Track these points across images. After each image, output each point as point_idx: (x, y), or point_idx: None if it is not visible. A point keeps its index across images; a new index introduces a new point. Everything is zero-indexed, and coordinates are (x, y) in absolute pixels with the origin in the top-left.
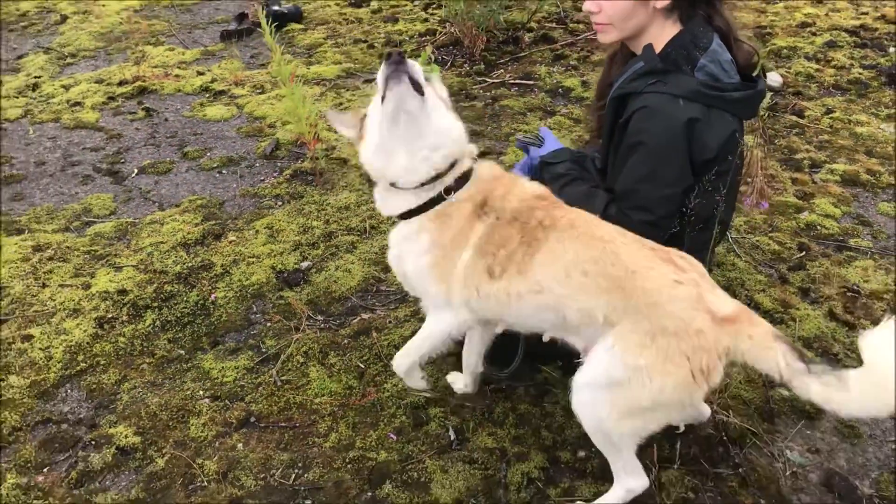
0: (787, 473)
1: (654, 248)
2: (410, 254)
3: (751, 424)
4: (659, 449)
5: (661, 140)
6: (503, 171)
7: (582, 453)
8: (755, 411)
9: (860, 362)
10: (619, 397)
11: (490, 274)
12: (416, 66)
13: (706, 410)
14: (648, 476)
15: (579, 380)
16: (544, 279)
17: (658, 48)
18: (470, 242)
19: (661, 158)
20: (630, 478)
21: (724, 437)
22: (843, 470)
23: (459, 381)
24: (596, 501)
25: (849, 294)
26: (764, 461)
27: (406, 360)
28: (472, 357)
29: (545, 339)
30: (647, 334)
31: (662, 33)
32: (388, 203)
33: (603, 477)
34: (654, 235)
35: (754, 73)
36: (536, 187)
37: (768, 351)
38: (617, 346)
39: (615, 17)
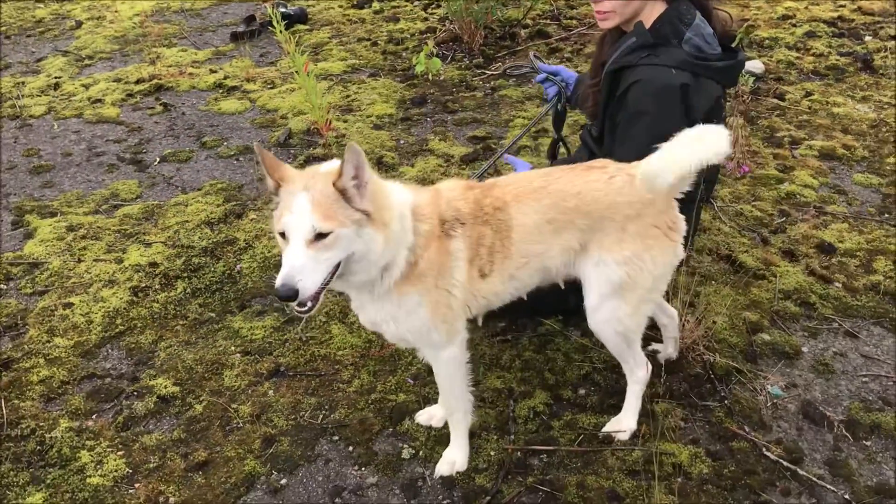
0: (768, 405)
1: (573, 169)
2: (404, 318)
3: (736, 364)
4: (653, 387)
5: (660, 106)
6: (427, 188)
7: (582, 391)
8: (739, 353)
9: (836, 311)
10: (627, 293)
11: (482, 274)
12: (305, 290)
13: (673, 311)
14: (645, 407)
15: (591, 302)
16: (526, 248)
17: (647, 25)
18: (458, 261)
19: (663, 122)
20: (639, 369)
21: (712, 376)
22: (818, 401)
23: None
24: (627, 399)
25: (825, 253)
26: (747, 395)
27: (460, 420)
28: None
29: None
30: (617, 230)
31: (651, 12)
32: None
33: (601, 410)
34: None
35: (733, 44)
36: (454, 184)
37: None
38: (602, 256)
39: (617, 3)
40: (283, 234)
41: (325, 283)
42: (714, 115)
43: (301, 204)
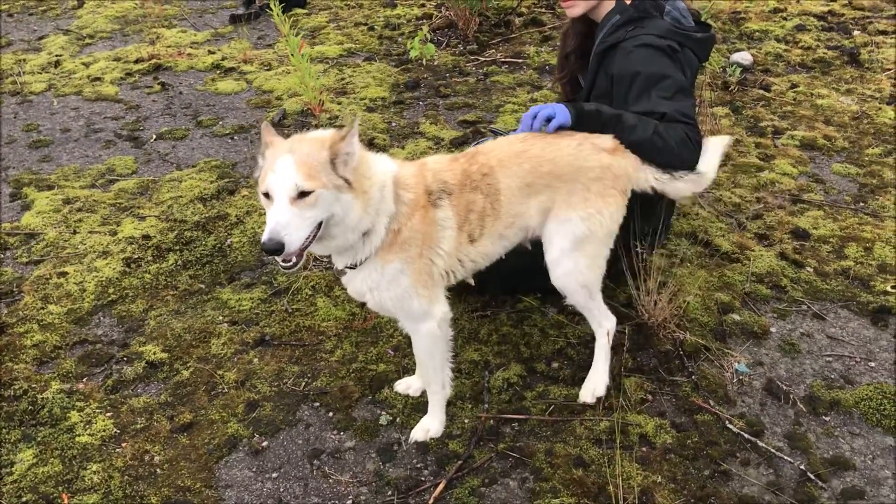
0: (734, 381)
1: (547, 136)
2: (385, 286)
3: (705, 342)
4: (623, 362)
5: (652, 59)
6: (413, 162)
7: (555, 364)
8: (709, 332)
9: (805, 294)
10: (587, 246)
11: (471, 239)
12: (291, 244)
13: None
14: (615, 380)
15: (553, 257)
16: (512, 209)
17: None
18: (446, 230)
19: (658, 71)
20: (606, 321)
21: (681, 353)
22: (783, 378)
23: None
24: (596, 352)
25: (799, 238)
26: (714, 371)
27: (437, 391)
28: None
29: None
30: (583, 190)
31: None
32: (340, 259)
33: (573, 383)
34: (695, 138)
35: (703, 20)
36: (440, 157)
37: (640, 171)
38: (569, 214)
39: None
40: (266, 195)
41: (308, 241)
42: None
43: (285, 164)
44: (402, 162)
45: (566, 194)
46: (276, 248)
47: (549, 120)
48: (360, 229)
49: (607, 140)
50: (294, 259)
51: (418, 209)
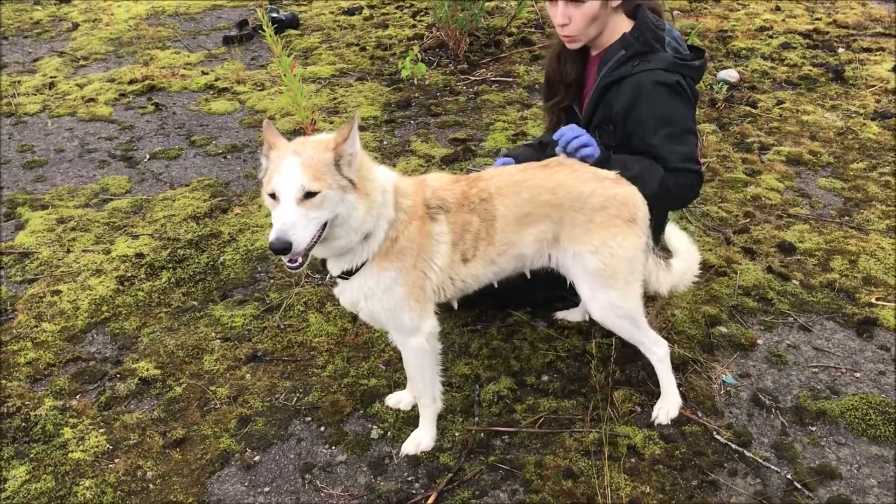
0: (722, 392)
1: (546, 166)
2: (379, 294)
3: (693, 355)
4: (613, 374)
5: (662, 100)
6: (413, 177)
7: (545, 377)
8: (697, 344)
9: (792, 307)
10: (610, 279)
11: (464, 259)
12: (298, 243)
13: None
14: (606, 394)
15: (586, 294)
16: (506, 237)
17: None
18: (441, 244)
19: (668, 112)
20: (657, 347)
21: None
22: (769, 389)
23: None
24: (660, 379)
25: (785, 252)
26: (702, 383)
27: (428, 405)
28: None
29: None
30: (585, 221)
31: (618, 27)
32: (336, 264)
33: (563, 395)
34: (697, 179)
35: (690, 42)
36: (441, 176)
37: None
38: (576, 248)
39: (583, 24)
40: (273, 196)
41: (313, 241)
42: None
43: (291, 166)
44: (401, 175)
45: (569, 226)
46: (284, 247)
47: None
48: (363, 231)
49: (611, 174)
50: (300, 259)
51: (416, 219)
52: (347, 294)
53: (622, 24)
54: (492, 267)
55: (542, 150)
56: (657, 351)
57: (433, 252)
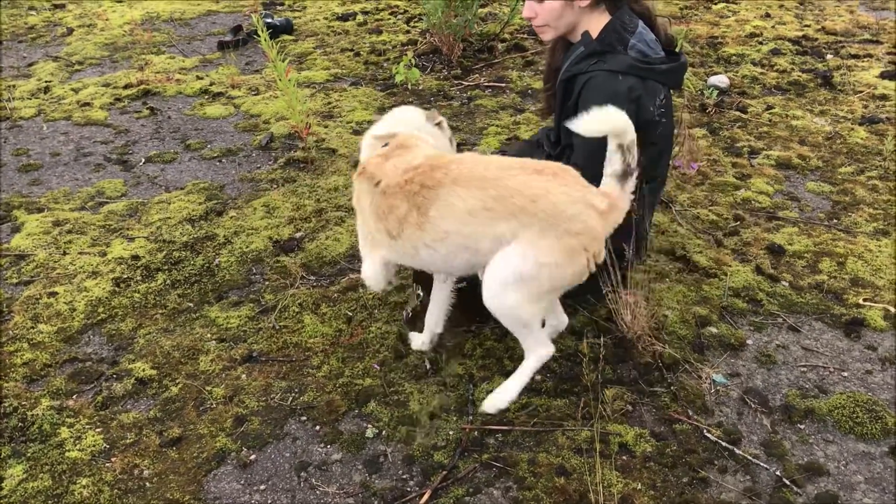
0: (712, 391)
1: (537, 170)
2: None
3: (683, 355)
4: (604, 373)
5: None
6: (414, 138)
7: (538, 377)
8: (688, 344)
9: (781, 308)
10: (528, 288)
11: (390, 235)
12: None
13: (565, 319)
14: (597, 392)
15: (491, 278)
16: (447, 226)
17: (594, 35)
18: (368, 212)
19: None
20: (540, 347)
21: (660, 364)
22: (759, 388)
23: (417, 339)
24: (518, 370)
25: (774, 254)
26: (693, 382)
27: (373, 275)
28: (434, 317)
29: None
30: (555, 238)
31: (597, 23)
32: None
33: (556, 394)
34: None
35: (676, 49)
36: (421, 158)
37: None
38: (528, 251)
39: (549, 18)
40: None
41: None
42: (664, 115)
43: None
44: (411, 134)
45: (537, 234)
46: None
47: None
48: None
49: (601, 198)
50: None
51: (365, 182)
52: None
53: (601, 21)
54: (428, 251)
55: (535, 147)
56: (540, 351)
57: (366, 213)
